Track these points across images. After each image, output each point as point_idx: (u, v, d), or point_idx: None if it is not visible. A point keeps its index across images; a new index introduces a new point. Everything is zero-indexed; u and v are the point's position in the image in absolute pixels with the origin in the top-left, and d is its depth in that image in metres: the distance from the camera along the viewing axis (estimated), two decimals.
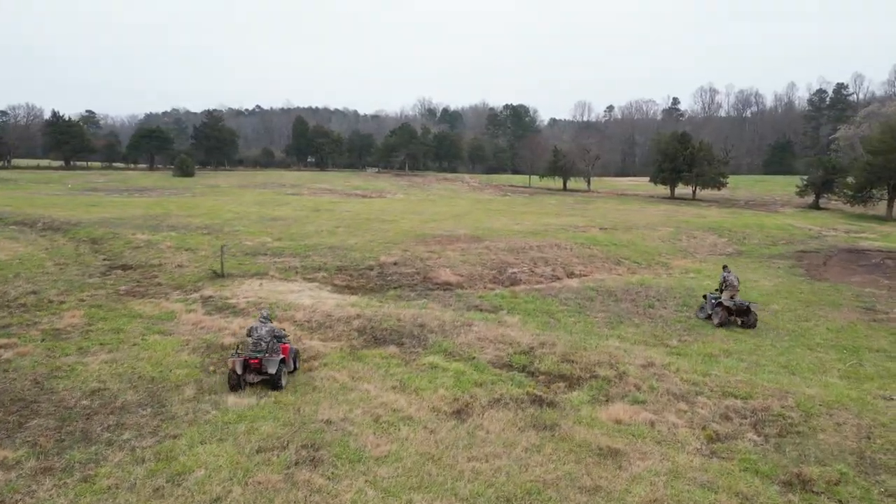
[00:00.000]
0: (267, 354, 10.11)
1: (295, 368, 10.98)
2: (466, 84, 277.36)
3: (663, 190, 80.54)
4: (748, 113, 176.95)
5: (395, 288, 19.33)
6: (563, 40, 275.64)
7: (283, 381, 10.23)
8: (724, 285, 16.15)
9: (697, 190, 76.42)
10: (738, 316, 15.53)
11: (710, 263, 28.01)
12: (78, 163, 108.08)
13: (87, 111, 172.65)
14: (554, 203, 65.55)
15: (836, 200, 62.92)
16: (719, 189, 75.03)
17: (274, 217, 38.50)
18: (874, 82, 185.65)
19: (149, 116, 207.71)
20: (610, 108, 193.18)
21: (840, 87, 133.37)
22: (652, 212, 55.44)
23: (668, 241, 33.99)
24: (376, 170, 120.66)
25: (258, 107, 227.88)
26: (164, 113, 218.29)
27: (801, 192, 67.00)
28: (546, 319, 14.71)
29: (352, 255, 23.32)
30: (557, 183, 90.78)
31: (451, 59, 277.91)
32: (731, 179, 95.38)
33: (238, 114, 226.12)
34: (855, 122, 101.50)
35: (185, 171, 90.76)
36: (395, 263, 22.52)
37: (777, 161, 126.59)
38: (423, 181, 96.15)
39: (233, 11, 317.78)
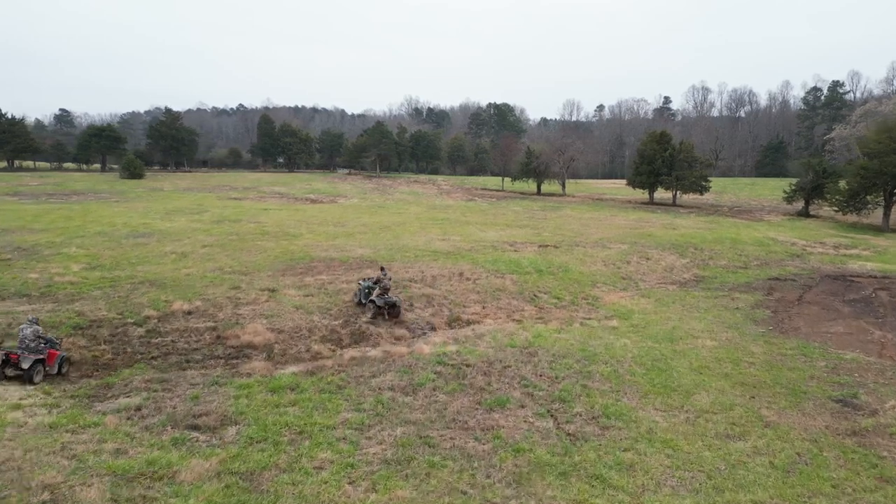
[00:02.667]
0: (26, 353, 11.38)
1: (60, 373, 11.96)
2: (463, 84, 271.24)
3: (643, 194, 74.20)
4: (741, 112, 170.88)
5: (148, 360, 13.00)
6: (562, 39, 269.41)
7: (37, 378, 11.40)
8: (379, 284, 17.67)
9: (679, 195, 70.05)
10: (387, 310, 17.42)
11: (652, 300, 21.61)
12: (25, 163, 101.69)
13: (60, 109, 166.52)
14: (516, 210, 59.18)
15: (827, 207, 56.59)
16: (701, 194, 68.65)
17: (149, 232, 32.08)
18: (871, 80, 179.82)
19: (131, 115, 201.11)
20: (600, 107, 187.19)
21: (836, 84, 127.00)
22: (618, 222, 49.09)
23: (612, 265, 27.59)
24: (347, 171, 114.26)
25: (241, 105, 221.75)
26: (146, 111, 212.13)
27: (789, 199, 60.60)
28: (271, 460, 8.33)
29: (139, 301, 16.88)
30: (532, 186, 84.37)
31: (450, 59, 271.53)
32: (720, 182, 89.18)
33: (220, 112, 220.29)
34: (851, 121, 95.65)
35: (132, 173, 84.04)
36: (188, 313, 16.09)
37: (770, 162, 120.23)
38: (391, 184, 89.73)
39: (238, 12, 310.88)
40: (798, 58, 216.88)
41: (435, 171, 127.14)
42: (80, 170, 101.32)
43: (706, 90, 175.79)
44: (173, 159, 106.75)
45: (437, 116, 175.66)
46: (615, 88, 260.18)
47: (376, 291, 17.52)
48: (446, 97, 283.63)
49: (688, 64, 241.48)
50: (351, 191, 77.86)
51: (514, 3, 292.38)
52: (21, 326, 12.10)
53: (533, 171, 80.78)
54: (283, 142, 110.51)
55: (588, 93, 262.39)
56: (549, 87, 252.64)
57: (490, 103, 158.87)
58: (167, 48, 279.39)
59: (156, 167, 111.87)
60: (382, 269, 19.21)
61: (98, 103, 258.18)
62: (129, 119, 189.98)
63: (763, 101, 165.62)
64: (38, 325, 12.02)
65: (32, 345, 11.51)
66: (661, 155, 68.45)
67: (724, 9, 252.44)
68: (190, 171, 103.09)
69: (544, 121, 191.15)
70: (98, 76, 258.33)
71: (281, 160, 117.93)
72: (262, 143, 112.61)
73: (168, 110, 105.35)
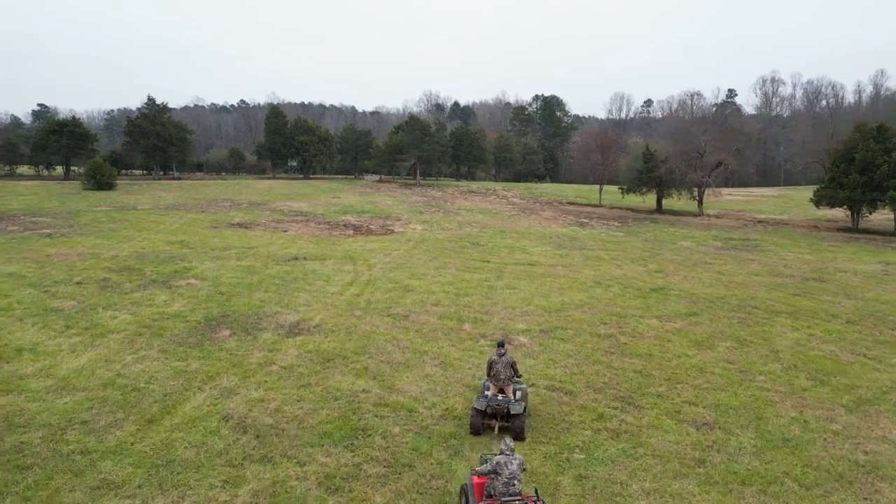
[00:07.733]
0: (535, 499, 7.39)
1: None
2: (474, 82, 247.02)
3: (837, 214, 50.87)
4: (823, 104, 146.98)
5: None
6: (567, 35, 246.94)
7: None
8: (491, 371, 10.71)
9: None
10: (499, 420, 10.32)
11: None
12: None
13: (38, 104, 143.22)
14: (701, 250, 35.74)
15: None
16: None
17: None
18: None
19: (121, 111, 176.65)
20: (648, 102, 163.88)
21: None
22: None
23: None
24: (377, 177, 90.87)
25: (243, 101, 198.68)
26: (137, 108, 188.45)
27: None
28: None
29: None
30: (648, 200, 61.14)
31: (459, 56, 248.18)
32: None
33: (220, 109, 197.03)
34: None
35: (99, 182, 60.56)
36: None
37: None
38: (441, 196, 66.23)
39: (238, 11, 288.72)
40: (799, 58, 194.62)
41: (473, 177, 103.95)
42: (37, 176, 77.93)
43: (777, 82, 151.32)
44: (159, 163, 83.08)
45: (462, 113, 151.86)
46: (616, 87, 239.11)
47: (491, 390, 10.64)
48: (469, 94, 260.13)
49: (688, 63, 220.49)
50: (398, 208, 54.38)
51: (517, 2, 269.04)
52: (498, 460, 7.43)
53: (655, 180, 57.53)
54: (298, 141, 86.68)
55: (593, 92, 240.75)
56: (550, 87, 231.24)
57: (536, 95, 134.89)
58: (167, 48, 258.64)
59: (138, 172, 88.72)
60: (501, 344, 11.08)
61: (98, 103, 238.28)
62: (118, 116, 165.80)
63: (850, 94, 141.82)
64: (514, 451, 7.69)
65: (520, 486, 7.37)
66: (884, 159, 45.07)
67: (722, 8, 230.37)
68: (179, 179, 79.56)
69: (578, 118, 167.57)
70: (98, 76, 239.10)
71: (294, 164, 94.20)
72: (272, 143, 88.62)
73: (151, 101, 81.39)
